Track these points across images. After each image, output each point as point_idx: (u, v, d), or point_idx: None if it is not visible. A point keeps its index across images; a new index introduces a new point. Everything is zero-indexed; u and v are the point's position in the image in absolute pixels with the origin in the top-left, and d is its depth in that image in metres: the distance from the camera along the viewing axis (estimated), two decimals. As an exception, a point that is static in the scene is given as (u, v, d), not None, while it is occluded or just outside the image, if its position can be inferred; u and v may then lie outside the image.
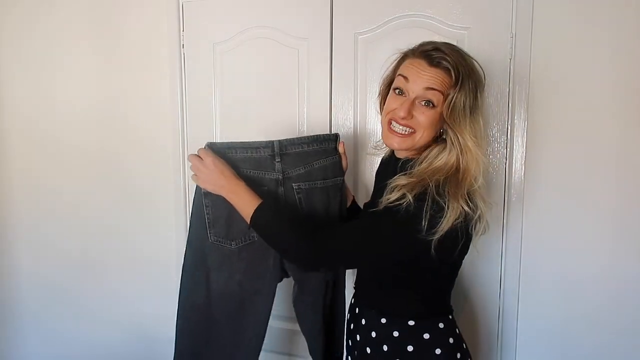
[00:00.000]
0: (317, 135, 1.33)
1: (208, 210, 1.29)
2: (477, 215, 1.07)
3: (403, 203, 1.03)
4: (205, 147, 1.25)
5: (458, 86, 1.05)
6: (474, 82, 1.07)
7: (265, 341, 1.39)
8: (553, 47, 1.50)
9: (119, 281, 2.07)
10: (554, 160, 1.53)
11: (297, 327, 1.51)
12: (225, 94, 1.82)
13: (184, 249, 1.35)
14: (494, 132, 1.55)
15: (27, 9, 2.02)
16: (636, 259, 1.50)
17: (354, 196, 1.50)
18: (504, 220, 1.58)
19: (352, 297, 1.34)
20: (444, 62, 1.06)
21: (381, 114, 1.21)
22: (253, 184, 1.22)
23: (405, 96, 1.10)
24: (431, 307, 1.19)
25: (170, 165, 1.91)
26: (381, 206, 1.08)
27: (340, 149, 1.34)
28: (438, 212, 1.01)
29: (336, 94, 1.70)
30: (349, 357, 1.32)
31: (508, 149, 1.55)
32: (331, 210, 1.34)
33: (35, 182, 2.13)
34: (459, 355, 1.17)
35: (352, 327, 1.30)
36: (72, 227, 2.10)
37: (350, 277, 1.67)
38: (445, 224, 1.01)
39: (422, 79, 1.07)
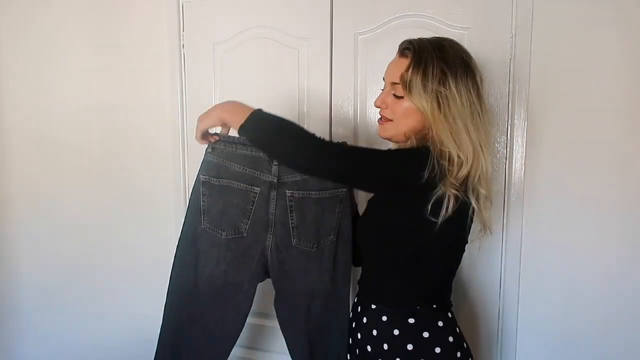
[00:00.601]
0: None
1: (204, 199, 1.30)
2: (471, 201, 1.09)
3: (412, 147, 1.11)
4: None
5: (411, 66, 1.08)
6: (441, 66, 1.06)
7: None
8: (553, 47, 1.50)
9: (118, 282, 2.07)
10: (554, 160, 1.53)
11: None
12: (225, 94, 1.82)
13: None
14: (493, 132, 1.55)
15: (24, 9, 2.02)
16: (637, 258, 1.50)
17: (357, 205, 1.44)
18: (504, 220, 1.58)
19: (356, 295, 1.34)
20: (407, 51, 1.11)
21: None
22: (245, 181, 1.23)
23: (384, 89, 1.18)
24: (433, 299, 1.19)
25: (170, 166, 1.91)
26: None
27: None
28: (435, 176, 1.03)
29: (336, 94, 1.70)
30: (349, 355, 1.32)
31: (508, 149, 1.55)
32: (324, 222, 1.30)
33: (34, 183, 2.12)
34: (459, 354, 1.17)
35: (353, 326, 1.30)
36: (71, 228, 2.10)
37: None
38: (436, 191, 1.04)
39: (389, 73, 1.16)
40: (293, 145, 1.12)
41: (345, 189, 1.30)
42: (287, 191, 1.28)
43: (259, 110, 1.14)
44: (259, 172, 1.28)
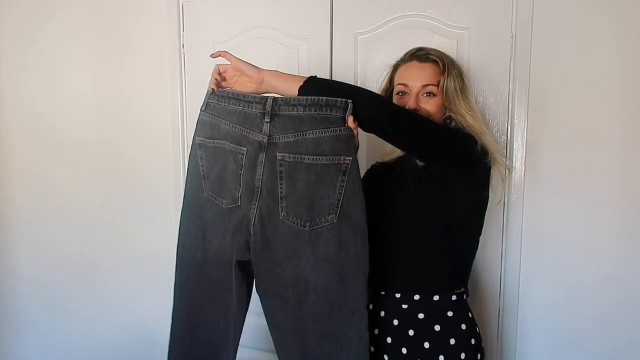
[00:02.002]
0: (320, 97, 1.08)
1: (202, 163, 1.20)
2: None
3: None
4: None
5: (446, 73, 1.25)
6: (457, 68, 1.28)
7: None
8: (553, 47, 1.50)
9: (118, 280, 2.07)
10: (554, 160, 1.53)
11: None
12: (225, 94, 1.82)
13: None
14: (494, 132, 1.55)
15: (28, 9, 2.02)
16: (637, 258, 1.50)
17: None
18: (504, 220, 1.58)
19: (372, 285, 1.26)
20: (431, 56, 1.28)
21: None
22: (233, 141, 1.14)
23: (409, 94, 1.27)
24: (455, 282, 1.28)
25: (170, 166, 1.91)
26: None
27: (350, 122, 1.09)
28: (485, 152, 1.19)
29: (336, 94, 1.70)
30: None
31: (508, 149, 1.55)
32: (320, 196, 1.08)
33: (34, 181, 2.12)
34: (478, 330, 1.28)
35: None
36: (70, 226, 2.10)
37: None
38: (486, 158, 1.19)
39: (418, 77, 1.27)
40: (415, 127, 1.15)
41: (350, 157, 1.08)
42: (277, 154, 1.09)
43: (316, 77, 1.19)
44: (248, 130, 1.12)
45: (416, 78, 1.27)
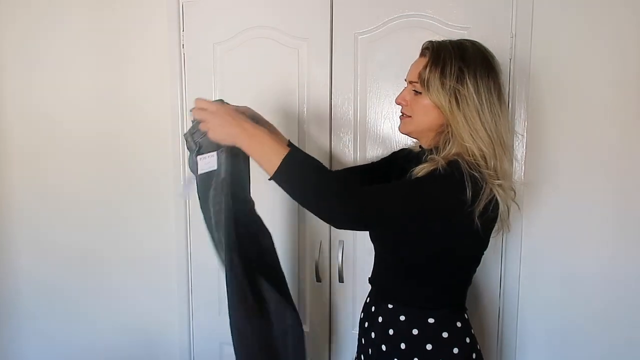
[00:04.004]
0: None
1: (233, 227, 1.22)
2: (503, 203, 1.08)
3: (439, 169, 1.04)
4: (198, 98, 1.12)
5: (429, 63, 1.08)
6: (458, 66, 1.06)
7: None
8: (553, 47, 1.50)
9: (120, 279, 2.07)
10: (554, 160, 1.53)
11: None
12: (225, 94, 1.81)
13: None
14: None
15: (26, 9, 2.01)
16: (637, 258, 1.50)
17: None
18: (504, 220, 1.58)
19: (368, 296, 1.33)
20: (426, 50, 1.12)
21: None
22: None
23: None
24: (452, 300, 1.20)
25: (170, 166, 1.91)
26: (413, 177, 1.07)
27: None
28: (476, 183, 1.02)
29: (336, 94, 1.70)
30: (362, 355, 1.31)
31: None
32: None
33: (34, 179, 2.11)
34: (474, 356, 1.19)
35: (366, 325, 1.29)
36: (71, 221, 2.09)
37: (359, 275, 1.68)
38: (484, 197, 1.02)
39: (410, 73, 1.16)
40: (317, 200, 1.05)
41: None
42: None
43: (290, 156, 1.03)
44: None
45: (408, 73, 1.16)
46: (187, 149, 1.21)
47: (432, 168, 1.06)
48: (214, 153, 1.17)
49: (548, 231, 1.56)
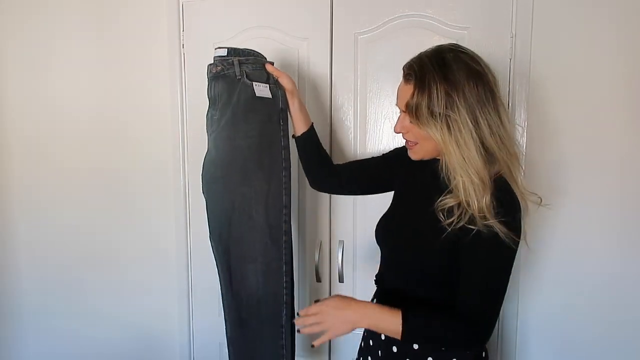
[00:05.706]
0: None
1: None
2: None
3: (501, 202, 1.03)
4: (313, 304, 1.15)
5: (416, 91, 1.03)
6: (444, 90, 1.00)
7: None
8: (553, 47, 1.50)
9: (119, 280, 2.07)
10: (554, 160, 1.53)
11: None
12: (225, 94, 1.81)
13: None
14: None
15: (24, 10, 2.01)
16: (637, 258, 1.50)
17: (312, 123, 1.46)
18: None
19: (373, 297, 1.30)
20: (409, 77, 1.07)
21: None
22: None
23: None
24: None
25: (170, 166, 1.91)
26: (456, 227, 1.05)
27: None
28: (518, 211, 1.07)
29: (336, 94, 1.70)
30: (369, 357, 1.29)
31: (508, 149, 1.55)
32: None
33: (32, 187, 2.12)
34: (484, 355, 1.19)
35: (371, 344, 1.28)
36: (68, 231, 2.10)
37: (360, 275, 1.67)
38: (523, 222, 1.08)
39: (399, 99, 1.11)
40: (452, 346, 1.12)
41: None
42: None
43: (407, 325, 1.05)
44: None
45: (398, 100, 1.11)
46: (211, 76, 1.41)
47: (490, 204, 1.02)
48: (266, 85, 1.36)
49: (548, 231, 1.56)
